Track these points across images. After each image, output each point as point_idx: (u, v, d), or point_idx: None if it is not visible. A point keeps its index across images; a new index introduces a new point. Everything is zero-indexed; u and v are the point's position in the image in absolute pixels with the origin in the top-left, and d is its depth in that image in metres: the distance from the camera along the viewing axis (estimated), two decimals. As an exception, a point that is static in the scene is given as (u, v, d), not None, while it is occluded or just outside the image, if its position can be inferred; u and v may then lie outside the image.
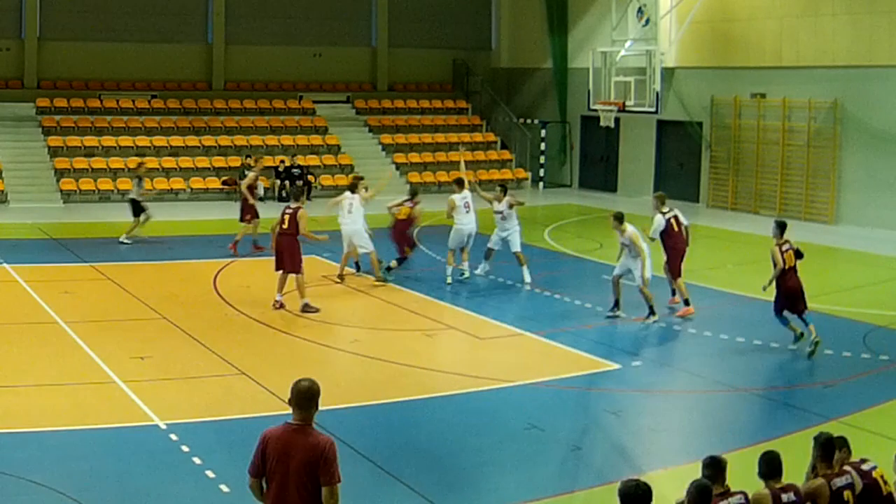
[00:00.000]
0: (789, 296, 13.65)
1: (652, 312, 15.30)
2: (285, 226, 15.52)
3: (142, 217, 21.63)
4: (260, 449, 6.15)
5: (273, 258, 15.82)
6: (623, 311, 15.52)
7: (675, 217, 16.12)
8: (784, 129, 26.70)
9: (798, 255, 13.85)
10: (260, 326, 14.70)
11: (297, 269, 15.51)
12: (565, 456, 10.15)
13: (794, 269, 13.70)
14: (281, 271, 15.66)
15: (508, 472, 9.62)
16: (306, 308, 15.40)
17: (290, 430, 6.08)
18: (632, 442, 10.63)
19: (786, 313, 13.84)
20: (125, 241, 21.18)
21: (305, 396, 6.09)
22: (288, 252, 15.54)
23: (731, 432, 10.70)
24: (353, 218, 17.63)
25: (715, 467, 6.30)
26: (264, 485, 6.17)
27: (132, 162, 28.57)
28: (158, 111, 30.94)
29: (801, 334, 13.75)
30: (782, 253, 13.65)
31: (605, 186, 32.03)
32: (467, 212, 17.99)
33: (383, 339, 14.40)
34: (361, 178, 18.91)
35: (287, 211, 15.69)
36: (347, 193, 17.85)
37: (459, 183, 18.39)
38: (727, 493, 6.21)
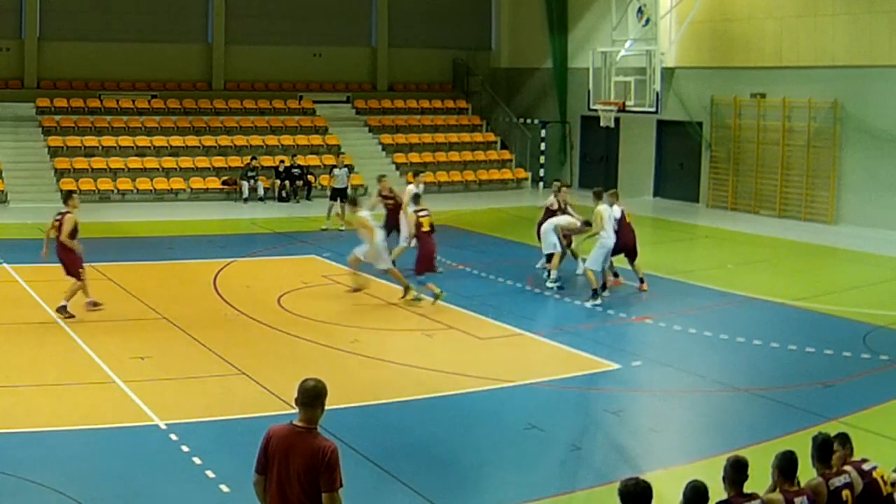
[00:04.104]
0: (429, 257, 15.69)
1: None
2: (56, 232, 15.08)
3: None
4: (263, 445, 6.13)
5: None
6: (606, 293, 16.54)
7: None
8: (784, 129, 26.69)
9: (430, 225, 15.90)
10: (260, 326, 14.70)
11: (72, 273, 14.99)
12: (565, 456, 10.14)
13: (430, 233, 15.76)
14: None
15: (508, 472, 9.61)
16: (62, 310, 14.75)
17: (295, 431, 6.03)
18: (632, 442, 10.62)
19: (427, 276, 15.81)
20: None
21: (311, 395, 6.04)
22: (62, 258, 15.08)
23: (731, 432, 10.70)
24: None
25: (741, 470, 6.27)
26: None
27: (132, 162, 28.65)
28: (158, 111, 30.93)
29: (420, 298, 15.78)
30: (419, 218, 15.68)
31: (605, 186, 31.88)
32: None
33: (383, 339, 14.39)
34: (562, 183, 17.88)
35: (57, 216, 15.21)
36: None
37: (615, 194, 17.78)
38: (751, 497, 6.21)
